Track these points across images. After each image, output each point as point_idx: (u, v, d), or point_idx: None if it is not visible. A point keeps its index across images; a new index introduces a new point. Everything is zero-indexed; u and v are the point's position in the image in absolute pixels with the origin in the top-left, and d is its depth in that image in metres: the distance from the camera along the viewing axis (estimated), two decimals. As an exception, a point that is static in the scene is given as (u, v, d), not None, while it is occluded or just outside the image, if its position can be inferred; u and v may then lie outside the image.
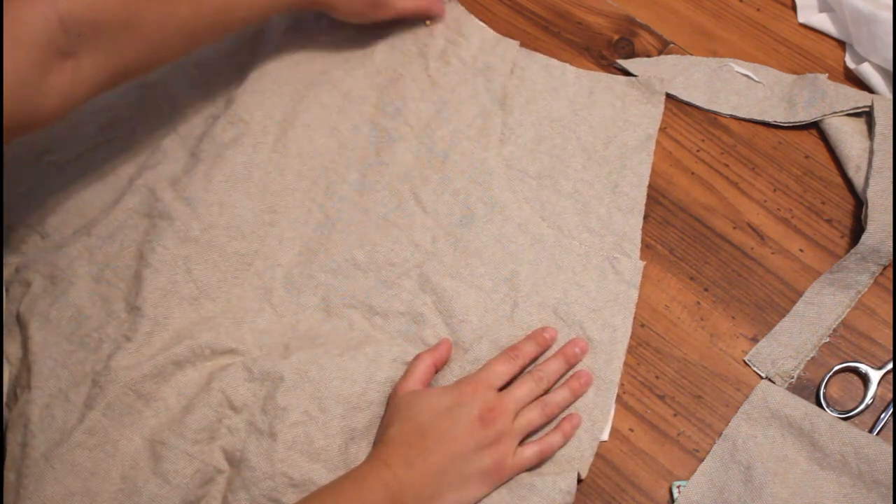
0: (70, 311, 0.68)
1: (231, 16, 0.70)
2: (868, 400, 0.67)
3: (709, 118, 0.79)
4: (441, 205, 0.74)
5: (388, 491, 0.59)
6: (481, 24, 0.82)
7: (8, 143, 0.60)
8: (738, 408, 0.67)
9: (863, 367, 0.68)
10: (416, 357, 0.67)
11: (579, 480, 0.65)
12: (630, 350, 0.70)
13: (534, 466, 0.65)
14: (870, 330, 0.70)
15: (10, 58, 0.56)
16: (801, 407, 0.66)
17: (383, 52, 0.81)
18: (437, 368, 0.68)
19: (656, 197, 0.75)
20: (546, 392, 0.67)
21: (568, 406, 0.67)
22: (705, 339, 0.70)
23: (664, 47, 0.82)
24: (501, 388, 0.66)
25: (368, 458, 0.62)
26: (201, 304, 0.69)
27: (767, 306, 0.71)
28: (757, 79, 0.79)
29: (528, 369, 0.68)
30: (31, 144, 0.76)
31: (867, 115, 0.76)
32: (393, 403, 0.65)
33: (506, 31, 0.82)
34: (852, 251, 0.70)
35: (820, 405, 0.67)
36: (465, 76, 0.79)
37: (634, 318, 0.70)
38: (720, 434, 0.67)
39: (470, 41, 0.81)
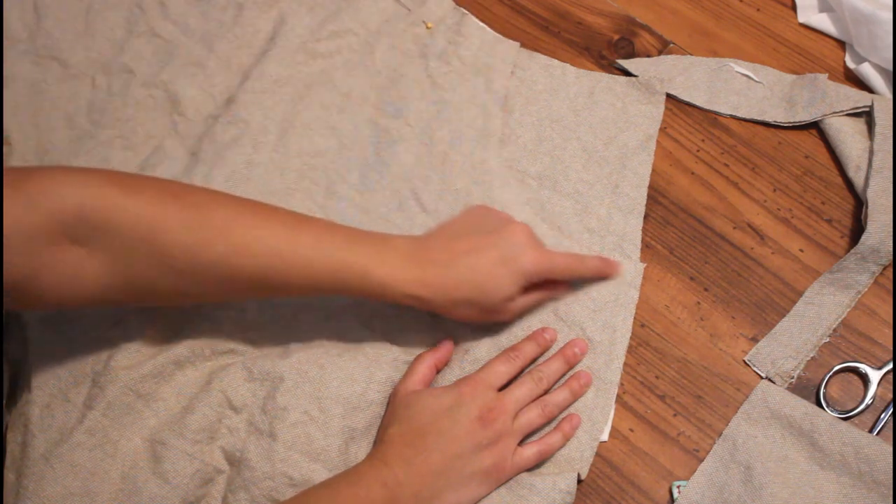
0: (70, 312, 0.68)
1: (283, 278, 0.59)
2: (868, 400, 0.67)
3: (709, 118, 0.79)
4: (441, 205, 0.74)
5: (387, 490, 0.59)
6: (481, 24, 0.82)
7: (6, 309, 0.55)
8: (738, 408, 0.67)
9: (863, 367, 0.68)
10: (417, 357, 0.67)
11: (579, 481, 0.65)
12: (630, 350, 0.70)
13: (533, 467, 0.65)
14: (870, 330, 0.70)
15: (22, 214, 0.53)
16: (801, 407, 0.66)
17: (383, 53, 0.81)
18: (438, 369, 0.68)
19: (656, 197, 0.75)
20: (546, 392, 0.67)
21: (568, 406, 0.67)
22: (705, 339, 0.70)
23: (664, 47, 0.82)
24: (501, 389, 0.65)
25: (367, 458, 0.62)
26: (201, 303, 0.69)
27: (767, 306, 0.71)
28: (757, 79, 0.79)
29: (527, 370, 0.68)
30: (31, 144, 0.76)
31: (867, 115, 0.76)
32: (393, 403, 0.65)
33: (506, 31, 0.82)
34: (852, 251, 0.70)
35: (820, 405, 0.67)
36: (466, 76, 0.79)
37: (634, 318, 0.70)
38: (720, 434, 0.67)
39: (470, 41, 0.81)
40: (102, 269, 0.57)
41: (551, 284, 0.68)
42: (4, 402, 0.67)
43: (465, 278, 0.61)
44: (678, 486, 0.65)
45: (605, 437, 0.67)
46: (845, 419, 0.66)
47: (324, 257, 0.59)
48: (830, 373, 0.68)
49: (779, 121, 0.77)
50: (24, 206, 0.53)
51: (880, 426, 0.67)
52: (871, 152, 0.73)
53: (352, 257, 0.59)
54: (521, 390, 0.65)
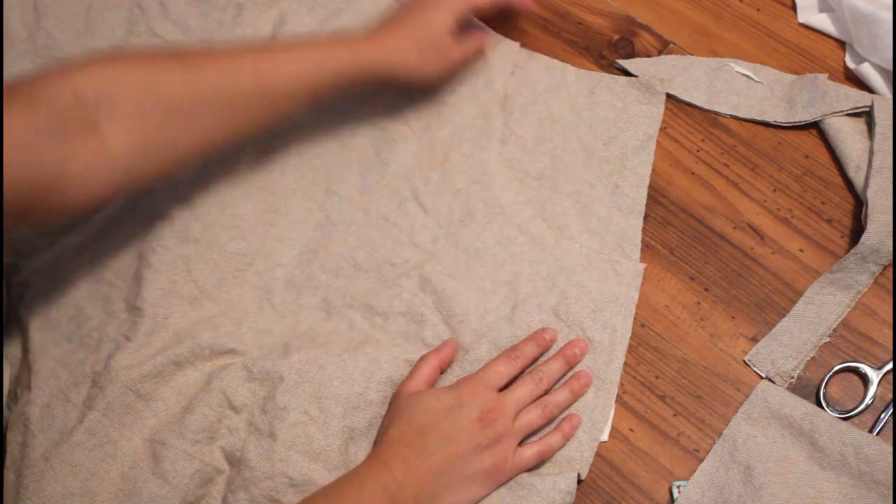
0: (70, 311, 0.68)
1: (272, 86, 0.64)
2: (868, 400, 0.67)
3: (709, 118, 0.79)
4: (441, 205, 0.74)
5: (388, 493, 0.59)
6: (482, 24, 0.82)
7: (46, 222, 0.57)
8: (738, 408, 0.67)
9: (863, 367, 0.68)
10: (422, 358, 0.67)
11: (579, 481, 0.65)
12: (630, 350, 0.70)
13: (534, 467, 0.65)
14: (870, 330, 0.70)
15: (26, 118, 0.54)
16: (801, 407, 0.66)
17: (383, 53, 0.81)
18: (442, 369, 0.68)
19: (656, 197, 0.75)
20: (546, 393, 0.67)
21: (568, 407, 0.67)
22: (705, 339, 0.70)
23: (664, 47, 0.82)
24: (501, 389, 0.66)
25: (368, 459, 0.62)
26: (201, 303, 0.69)
27: (767, 306, 0.71)
28: (757, 79, 0.79)
29: (528, 370, 0.68)
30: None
31: (867, 115, 0.76)
32: (395, 404, 0.65)
33: (506, 31, 0.82)
34: (852, 251, 0.70)
35: (820, 405, 0.67)
36: (466, 76, 0.79)
37: (634, 318, 0.70)
38: (720, 434, 0.67)
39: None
40: (118, 139, 0.57)
41: (479, 34, 0.77)
42: (4, 402, 0.67)
43: (413, 33, 0.70)
44: (678, 486, 0.65)
45: (605, 437, 0.67)
46: (845, 419, 0.66)
47: (303, 60, 0.65)
48: (830, 373, 0.68)
49: (779, 121, 0.77)
50: (25, 112, 0.54)
51: (880, 426, 0.67)
52: (871, 152, 0.73)
53: (327, 55, 0.67)
54: (522, 391, 0.65)
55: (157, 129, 0.59)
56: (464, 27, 0.74)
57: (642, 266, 0.72)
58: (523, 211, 0.74)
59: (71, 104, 0.56)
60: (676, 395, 0.69)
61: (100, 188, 0.58)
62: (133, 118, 0.58)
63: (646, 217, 0.74)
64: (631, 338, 0.70)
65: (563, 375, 0.68)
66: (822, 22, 0.82)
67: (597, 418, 0.67)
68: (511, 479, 0.64)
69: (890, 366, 0.68)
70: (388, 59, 0.69)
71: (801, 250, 0.73)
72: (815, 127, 0.77)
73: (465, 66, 0.76)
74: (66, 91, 0.56)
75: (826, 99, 0.76)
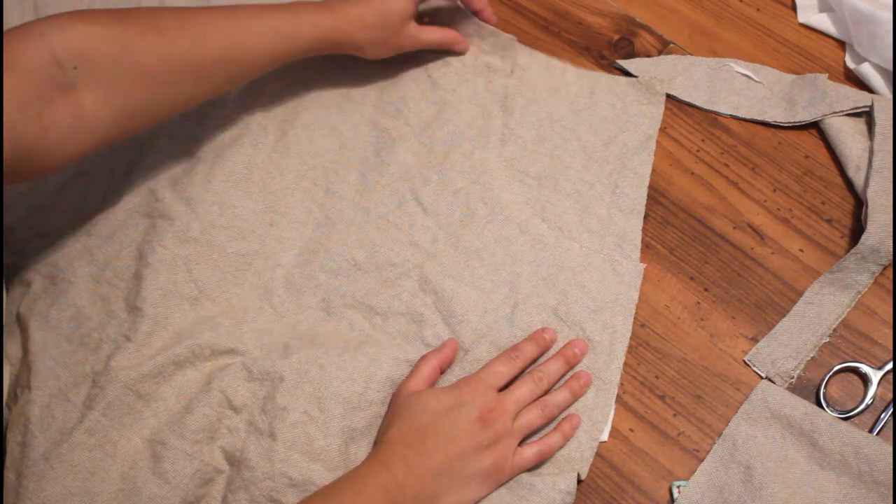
0: (70, 311, 0.68)
1: (240, 52, 0.68)
2: (868, 400, 0.67)
3: (709, 118, 0.79)
4: (441, 205, 0.74)
5: (388, 494, 0.58)
6: (482, 24, 0.82)
7: (23, 180, 0.59)
8: (738, 408, 0.67)
9: (863, 367, 0.68)
10: (422, 358, 0.67)
11: (579, 481, 0.65)
12: (630, 350, 0.70)
13: (533, 467, 0.65)
14: (870, 330, 0.70)
15: (5, 86, 0.56)
16: (801, 407, 0.66)
17: (383, 53, 0.81)
18: (443, 370, 0.68)
19: (656, 197, 0.75)
20: (546, 393, 0.67)
21: (568, 407, 0.67)
22: (705, 339, 0.70)
23: (664, 47, 0.82)
24: (501, 389, 0.66)
25: (368, 460, 0.62)
26: (201, 304, 0.69)
27: (767, 306, 0.71)
28: (757, 79, 0.79)
29: (527, 370, 0.68)
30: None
31: (867, 115, 0.76)
32: (395, 404, 0.65)
33: (506, 31, 0.82)
34: (852, 251, 0.70)
35: (820, 405, 0.67)
36: (466, 76, 0.79)
37: (634, 318, 0.70)
38: (720, 434, 0.67)
39: (470, 41, 0.81)
40: (97, 105, 0.60)
41: (452, 31, 0.79)
42: (4, 402, 0.67)
43: (368, 7, 0.73)
44: (678, 486, 0.65)
45: (605, 437, 0.67)
46: (845, 419, 0.66)
47: (264, 27, 0.69)
48: (830, 373, 0.68)
49: (779, 121, 0.77)
50: (6, 79, 0.56)
51: (880, 426, 0.67)
52: (871, 152, 0.73)
53: (289, 24, 0.70)
54: (522, 391, 0.65)
55: (130, 94, 0.62)
56: (442, 18, 0.79)
57: (642, 266, 0.72)
58: (523, 211, 0.74)
59: (50, 67, 0.58)
60: (676, 395, 0.69)
61: (76, 151, 0.61)
62: (109, 83, 0.61)
63: (646, 217, 0.74)
64: (631, 338, 0.70)
65: (563, 375, 0.68)
66: (822, 22, 0.82)
67: (597, 418, 0.67)
68: (511, 479, 0.64)
69: (890, 366, 0.68)
70: (345, 32, 0.72)
71: (801, 250, 0.73)
72: (815, 127, 0.77)
73: (424, 49, 0.79)
74: (45, 54, 0.58)
75: (826, 99, 0.76)
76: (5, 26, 0.80)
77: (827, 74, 0.78)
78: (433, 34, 0.78)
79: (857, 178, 0.74)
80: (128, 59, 0.62)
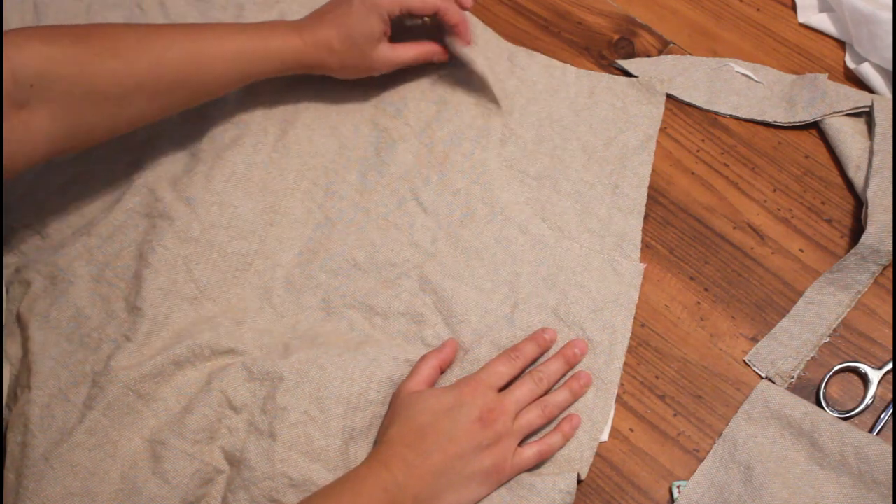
0: (70, 311, 0.68)
1: (199, 75, 0.68)
2: (868, 400, 0.67)
3: (709, 118, 0.79)
4: (441, 205, 0.74)
5: (387, 494, 0.58)
6: (482, 23, 0.82)
7: None
8: (738, 408, 0.67)
9: (863, 367, 0.68)
10: (422, 358, 0.67)
11: (579, 481, 0.65)
12: (630, 350, 0.70)
13: (533, 467, 0.65)
14: (870, 330, 0.70)
15: None
16: (801, 407, 0.66)
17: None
18: (443, 370, 0.68)
19: (656, 197, 0.75)
20: (546, 393, 0.67)
21: (568, 407, 0.67)
22: (705, 339, 0.70)
23: (664, 47, 0.82)
24: (502, 389, 0.66)
25: (368, 460, 0.62)
26: (201, 304, 0.69)
27: (767, 306, 0.71)
28: (757, 79, 0.79)
29: (528, 370, 0.68)
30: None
31: (867, 115, 0.76)
32: (395, 403, 0.65)
33: (506, 31, 0.82)
34: (852, 251, 0.70)
35: (820, 405, 0.67)
36: (466, 76, 0.79)
37: (634, 318, 0.70)
38: (720, 434, 0.67)
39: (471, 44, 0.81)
40: (47, 122, 0.61)
41: (428, 44, 0.77)
42: (4, 402, 0.67)
43: (332, 31, 0.72)
44: (678, 486, 0.65)
45: (605, 437, 0.67)
46: (845, 419, 0.66)
47: (228, 50, 0.68)
48: (830, 373, 0.68)
49: (779, 121, 0.77)
50: None
51: (880, 426, 0.67)
52: (871, 152, 0.73)
53: (255, 47, 0.70)
54: (522, 391, 0.65)
55: (83, 113, 0.63)
56: (416, 31, 0.77)
57: (642, 266, 0.72)
58: (523, 211, 0.74)
59: (6, 85, 0.58)
60: (676, 395, 0.69)
61: (23, 164, 0.62)
62: (62, 102, 0.62)
63: (646, 217, 0.74)
64: (631, 338, 0.70)
65: (563, 375, 0.68)
66: (822, 22, 0.82)
67: (597, 418, 0.67)
68: (511, 479, 0.64)
69: (890, 366, 0.68)
70: (313, 56, 0.72)
71: (801, 250, 0.73)
72: (815, 127, 0.77)
73: (402, 67, 0.77)
74: (6, 73, 0.58)
75: (826, 99, 0.76)
76: (5, 26, 0.80)
77: (827, 74, 0.78)
78: (408, 51, 0.76)
79: (857, 178, 0.74)
80: (83, 80, 0.62)
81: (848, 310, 0.70)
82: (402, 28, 0.78)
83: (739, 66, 0.79)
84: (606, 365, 0.68)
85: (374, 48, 0.74)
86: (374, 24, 0.72)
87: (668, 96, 0.79)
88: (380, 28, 0.73)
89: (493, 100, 0.78)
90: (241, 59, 0.69)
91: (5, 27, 0.80)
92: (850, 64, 0.80)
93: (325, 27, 0.72)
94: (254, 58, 0.70)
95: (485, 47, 0.80)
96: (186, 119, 0.76)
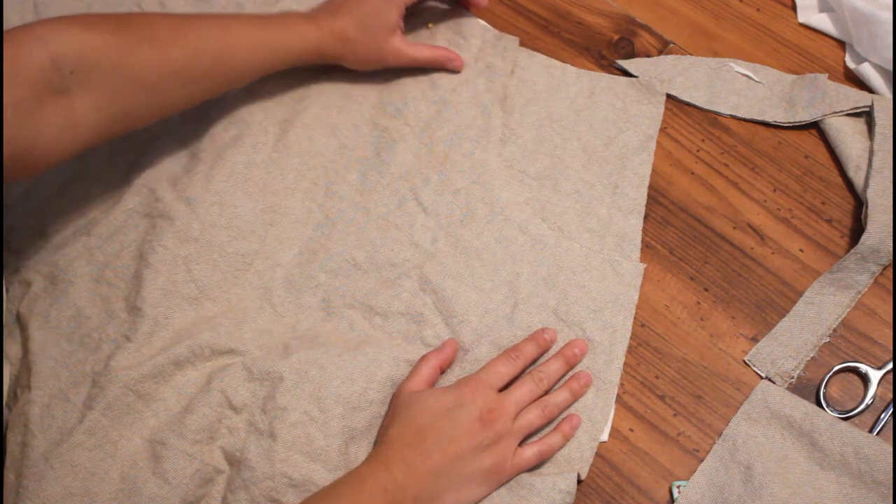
0: (70, 311, 0.68)
1: (229, 64, 0.70)
2: (868, 400, 0.67)
3: (709, 118, 0.79)
4: (441, 205, 0.74)
5: (388, 495, 0.58)
6: (482, 23, 0.82)
7: (10, 181, 0.60)
8: (738, 408, 0.67)
9: (863, 367, 0.68)
10: (422, 358, 0.67)
11: (579, 481, 0.65)
12: (630, 350, 0.70)
13: (534, 467, 0.65)
14: (870, 330, 0.70)
15: (6, 89, 0.57)
16: (801, 407, 0.66)
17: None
18: (443, 370, 0.68)
19: (656, 197, 0.75)
20: (546, 393, 0.67)
21: (568, 407, 0.67)
22: (705, 339, 0.70)
23: (664, 47, 0.82)
24: (502, 389, 0.66)
25: (368, 460, 0.62)
26: (201, 303, 0.69)
27: (767, 306, 0.71)
28: (757, 79, 0.79)
29: (528, 370, 0.68)
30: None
31: (867, 115, 0.76)
32: (395, 403, 0.65)
33: (506, 31, 0.82)
34: (852, 251, 0.70)
35: (820, 405, 0.67)
36: (466, 76, 0.79)
37: (634, 318, 0.70)
38: (720, 434, 0.67)
39: (470, 42, 0.81)
40: (88, 109, 0.62)
41: (445, 50, 0.79)
42: (4, 402, 0.67)
43: (348, 20, 0.74)
44: (678, 486, 0.65)
45: (605, 437, 0.67)
46: (845, 419, 0.66)
47: (255, 41, 0.71)
48: (830, 373, 0.68)
49: (779, 121, 0.77)
50: (5, 82, 0.57)
51: (880, 426, 0.67)
52: (871, 152, 0.73)
53: (278, 39, 0.72)
54: (522, 391, 0.65)
55: (121, 100, 0.64)
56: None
57: (642, 266, 0.72)
58: (523, 211, 0.74)
59: (47, 72, 0.59)
60: (676, 395, 0.69)
61: (65, 153, 0.62)
62: (102, 89, 0.63)
63: (646, 217, 0.74)
64: (631, 338, 0.70)
65: (563, 376, 0.68)
66: (822, 22, 0.82)
67: (597, 418, 0.67)
68: (511, 479, 0.64)
69: (890, 366, 0.68)
70: (329, 45, 0.74)
71: (801, 250, 0.73)
72: (815, 127, 0.77)
73: (413, 66, 0.78)
74: (44, 58, 0.59)
75: (826, 99, 0.76)
76: (5, 26, 0.80)
77: (827, 74, 0.78)
78: (422, 51, 0.77)
79: (857, 178, 0.74)
80: (122, 68, 0.63)
81: (848, 310, 0.70)
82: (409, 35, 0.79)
83: (739, 66, 0.79)
84: (606, 365, 0.68)
85: (388, 40, 0.75)
86: (390, 15, 0.74)
87: (668, 96, 0.79)
88: (395, 19, 0.75)
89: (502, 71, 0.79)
90: (265, 49, 0.71)
91: (5, 27, 0.80)
92: (850, 64, 0.80)
93: (341, 16, 0.74)
94: (277, 49, 0.72)
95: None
96: (186, 119, 0.76)
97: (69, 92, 0.61)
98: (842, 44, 0.81)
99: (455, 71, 0.79)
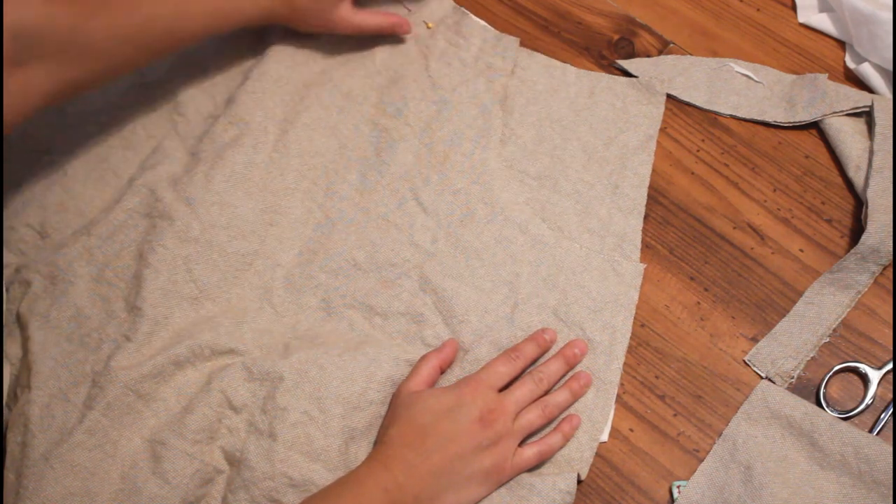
0: (70, 311, 0.68)
1: (182, 30, 0.71)
2: (868, 400, 0.67)
3: (709, 118, 0.79)
4: (441, 205, 0.74)
5: (388, 495, 0.58)
6: (482, 22, 0.82)
7: None
8: (738, 408, 0.67)
9: (863, 367, 0.68)
10: (422, 358, 0.67)
11: (579, 481, 0.65)
12: (630, 350, 0.70)
13: (534, 467, 0.65)
14: (870, 330, 0.70)
15: None
16: (801, 407, 0.66)
17: (384, 53, 0.81)
18: (443, 370, 0.68)
19: (656, 197, 0.75)
20: (546, 393, 0.67)
21: (568, 407, 0.67)
22: (705, 339, 0.70)
23: (664, 47, 0.82)
24: (502, 389, 0.66)
25: (368, 460, 0.62)
26: (201, 303, 0.69)
27: (767, 306, 0.71)
28: (757, 79, 0.79)
29: (528, 370, 0.68)
30: (30, 144, 0.76)
31: (867, 115, 0.76)
32: (395, 403, 0.65)
33: (506, 31, 0.82)
34: (852, 251, 0.70)
35: (820, 405, 0.67)
36: (466, 76, 0.79)
37: (634, 318, 0.70)
38: (720, 434, 0.67)
39: (470, 42, 0.81)
40: (43, 77, 0.63)
41: (393, 16, 0.79)
42: (4, 401, 0.67)
43: None
44: (678, 486, 0.65)
45: (604, 437, 0.67)
46: (845, 419, 0.66)
47: (211, 9, 0.71)
48: (830, 373, 0.68)
49: (779, 121, 0.77)
50: None
51: (880, 426, 0.67)
52: (871, 152, 0.73)
53: (231, 5, 0.72)
54: (522, 391, 0.65)
55: (75, 68, 0.65)
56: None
57: (642, 266, 0.72)
58: (523, 211, 0.74)
59: (8, 45, 0.60)
60: (676, 395, 0.69)
61: (17, 121, 0.63)
62: (57, 59, 0.63)
63: (646, 217, 0.74)
64: (631, 338, 0.70)
65: (563, 376, 0.68)
66: (822, 22, 0.82)
67: (597, 419, 0.67)
68: (511, 479, 0.64)
69: (890, 366, 0.68)
70: (278, 10, 0.75)
71: (801, 250, 0.73)
72: (815, 127, 0.77)
73: (363, 34, 0.79)
74: (9, 26, 0.59)
75: (826, 99, 0.76)
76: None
77: (827, 74, 0.78)
78: (371, 18, 0.78)
79: (857, 178, 0.74)
80: (78, 37, 0.64)
81: (848, 310, 0.70)
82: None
83: (739, 66, 0.79)
84: (606, 365, 0.68)
85: (336, 8, 0.76)
86: None
87: (668, 96, 0.79)
88: None
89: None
90: (219, 15, 0.72)
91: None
92: (850, 64, 0.80)
93: None
94: (230, 14, 0.73)
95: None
96: (187, 119, 0.76)
97: (26, 64, 0.61)
98: (842, 44, 0.81)
99: (404, 34, 0.80)
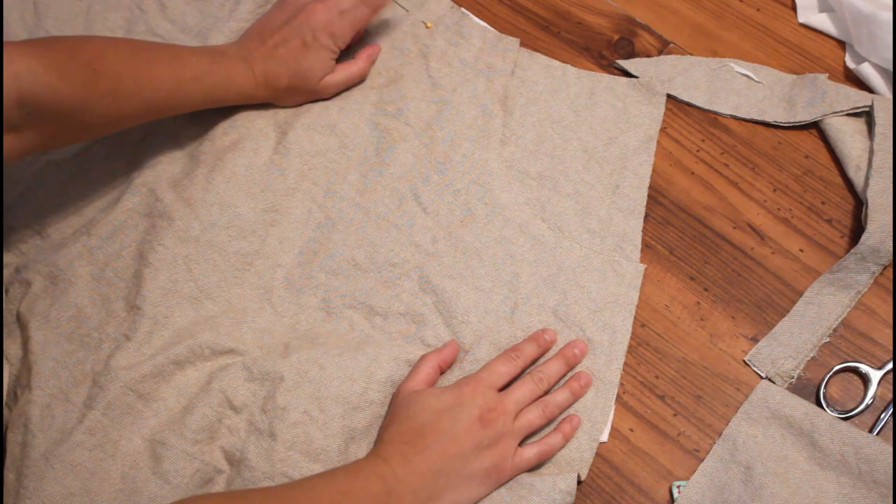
0: (70, 311, 0.68)
1: (174, 108, 0.71)
2: (868, 400, 0.67)
3: (709, 118, 0.79)
4: (441, 205, 0.74)
5: (385, 483, 0.59)
6: (482, 23, 0.82)
7: None
8: (738, 408, 0.67)
9: (863, 367, 0.68)
10: (422, 358, 0.67)
11: (579, 481, 0.65)
12: (630, 350, 0.70)
13: (534, 467, 0.65)
14: (870, 330, 0.70)
15: None
16: (801, 407, 0.66)
17: (384, 53, 0.81)
18: (443, 370, 0.68)
19: (656, 197, 0.75)
20: (546, 393, 0.67)
21: (568, 407, 0.67)
22: (705, 339, 0.70)
23: (664, 47, 0.82)
24: (502, 389, 0.66)
25: (367, 455, 0.62)
26: (201, 303, 0.69)
27: (767, 306, 0.71)
28: (757, 79, 0.79)
29: (528, 370, 0.68)
30: (31, 144, 0.76)
31: (867, 115, 0.76)
32: (395, 403, 0.65)
33: (506, 31, 0.82)
34: (852, 251, 0.70)
35: (820, 405, 0.67)
36: (467, 77, 0.79)
37: (634, 318, 0.70)
38: (720, 434, 0.67)
39: (470, 42, 0.81)
40: (31, 140, 0.63)
41: (366, 50, 0.79)
42: (4, 401, 0.67)
43: (283, 70, 0.75)
44: (678, 486, 0.65)
45: (604, 437, 0.67)
46: (845, 419, 0.66)
47: (203, 94, 0.72)
48: (830, 373, 0.68)
49: (779, 121, 0.77)
50: None
51: (880, 426, 0.67)
52: (871, 152, 0.73)
53: (220, 90, 0.73)
54: (522, 391, 0.65)
55: (66, 137, 0.66)
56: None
57: (642, 266, 0.72)
58: (523, 211, 0.74)
59: (10, 109, 0.60)
60: (676, 395, 0.69)
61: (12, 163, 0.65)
62: (51, 128, 0.64)
63: (646, 217, 0.74)
64: (631, 338, 0.70)
65: (563, 376, 0.68)
66: (822, 22, 0.82)
67: (597, 419, 0.67)
68: (511, 479, 0.64)
69: (890, 366, 0.68)
70: (262, 93, 0.75)
71: (801, 250, 0.73)
72: (815, 127, 0.77)
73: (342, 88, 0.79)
74: (11, 97, 0.60)
75: (826, 99, 0.76)
76: (5, 27, 0.80)
77: (827, 74, 0.78)
78: (351, 69, 0.78)
79: (857, 178, 0.74)
80: (79, 115, 0.65)
81: (848, 310, 0.70)
82: None
83: (739, 66, 0.79)
84: (606, 365, 0.68)
85: (322, 80, 0.76)
86: (326, 63, 0.76)
87: (669, 96, 0.79)
88: (330, 65, 0.76)
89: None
90: (206, 101, 0.73)
91: (5, 27, 0.80)
92: (850, 64, 0.80)
93: (275, 64, 0.74)
94: (216, 101, 0.74)
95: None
96: (188, 122, 0.76)
97: (20, 129, 0.62)
98: (842, 44, 0.81)
99: (376, 54, 0.80)
